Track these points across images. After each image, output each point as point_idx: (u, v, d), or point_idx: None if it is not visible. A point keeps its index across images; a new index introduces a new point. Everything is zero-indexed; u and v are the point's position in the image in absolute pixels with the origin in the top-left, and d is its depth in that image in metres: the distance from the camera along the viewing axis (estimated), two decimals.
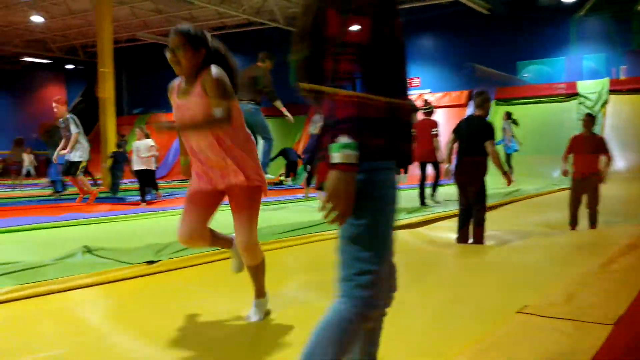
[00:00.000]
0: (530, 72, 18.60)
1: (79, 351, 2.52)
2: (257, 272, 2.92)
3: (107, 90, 14.43)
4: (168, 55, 2.67)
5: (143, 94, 26.49)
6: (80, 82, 28.41)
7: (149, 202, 9.88)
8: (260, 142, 7.76)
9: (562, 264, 4.47)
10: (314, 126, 9.58)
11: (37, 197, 11.89)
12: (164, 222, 7.01)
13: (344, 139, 1.52)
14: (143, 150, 9.92)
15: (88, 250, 4.41)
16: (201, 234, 2.83)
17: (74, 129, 9.47)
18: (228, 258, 4.41)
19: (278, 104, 8.01)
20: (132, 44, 24.36)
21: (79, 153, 9.59)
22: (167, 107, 22.44)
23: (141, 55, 25.52)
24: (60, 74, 29.77)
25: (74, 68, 28.65)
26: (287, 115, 8.19)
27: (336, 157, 1.52)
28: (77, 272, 3.71)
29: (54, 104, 9.76)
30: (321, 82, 1.61)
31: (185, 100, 2.71)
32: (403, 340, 2.56)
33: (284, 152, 15.43)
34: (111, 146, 13.88)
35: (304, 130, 20.28)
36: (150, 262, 4.05)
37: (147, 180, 10.08)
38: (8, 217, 7.23)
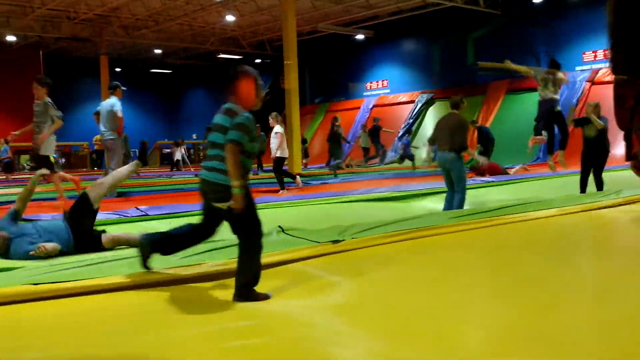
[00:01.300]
0: None
1: (282, 311, 2.92)
2: None
3: (291, 82, 15.41)
4: None
5: (323, 83, 27.70)
6: (267, 74, 30.49)
7: (287, 188, 10.11)
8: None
9: None
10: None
11: None
12: (325, 208, 7.43)
13: None
14: (272, 138, 10.01)
15: (282, 230, 4.93)
16: None
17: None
18: (402, 240, 4.66)
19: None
20: (313, 36, 25.56)
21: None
22: (345, 94, 23.25)
23: (321, 46, 26.66)
24: None
25: (261, 62, 30.77)
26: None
27: None
28: (274, 249, 4.19)
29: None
30: None
31: None
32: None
33: (479, 131, 14.10)
34: (297, 133, 14.85)
35: (481, 109, 19.78)
36: (336, 242, 4.43)
37: (277, 168, 10.16)
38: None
